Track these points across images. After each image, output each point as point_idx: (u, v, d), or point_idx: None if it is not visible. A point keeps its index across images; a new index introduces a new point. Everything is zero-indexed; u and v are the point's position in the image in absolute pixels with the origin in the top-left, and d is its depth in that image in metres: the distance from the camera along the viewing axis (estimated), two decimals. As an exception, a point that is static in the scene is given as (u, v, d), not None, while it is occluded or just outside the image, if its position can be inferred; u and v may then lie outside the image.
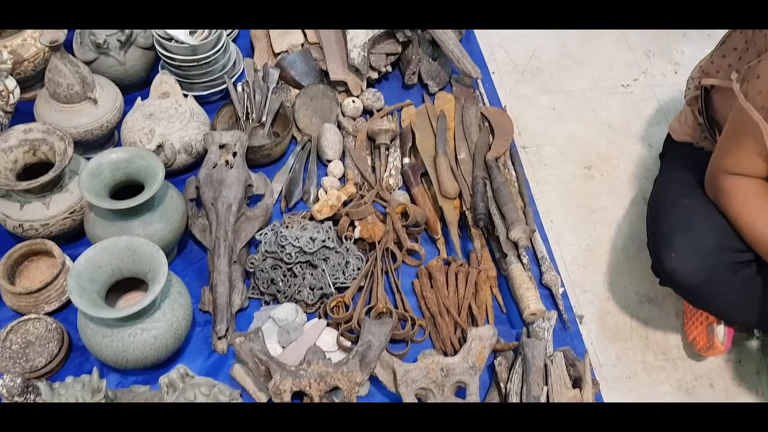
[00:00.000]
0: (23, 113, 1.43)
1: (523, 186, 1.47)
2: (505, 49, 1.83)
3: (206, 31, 1.55)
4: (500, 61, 1.81)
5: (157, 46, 1.54)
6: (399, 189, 1.48)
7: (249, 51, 1.76)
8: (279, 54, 1.69)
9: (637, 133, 1.67)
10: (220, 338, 1.20)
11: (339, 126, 1.58)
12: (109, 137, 1.51)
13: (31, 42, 1.49)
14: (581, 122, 1.68)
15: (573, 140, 1.65)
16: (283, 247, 1.29)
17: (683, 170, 1.37)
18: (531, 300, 1.23)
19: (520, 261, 1.32)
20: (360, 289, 1.30)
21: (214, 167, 1.35)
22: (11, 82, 1.35)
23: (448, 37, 1.62)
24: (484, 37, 1.84)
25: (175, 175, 1.47)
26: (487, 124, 1.58)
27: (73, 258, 1.27)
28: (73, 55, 1.46)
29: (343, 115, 1.60)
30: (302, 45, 1.71)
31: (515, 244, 1.32)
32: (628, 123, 1.69)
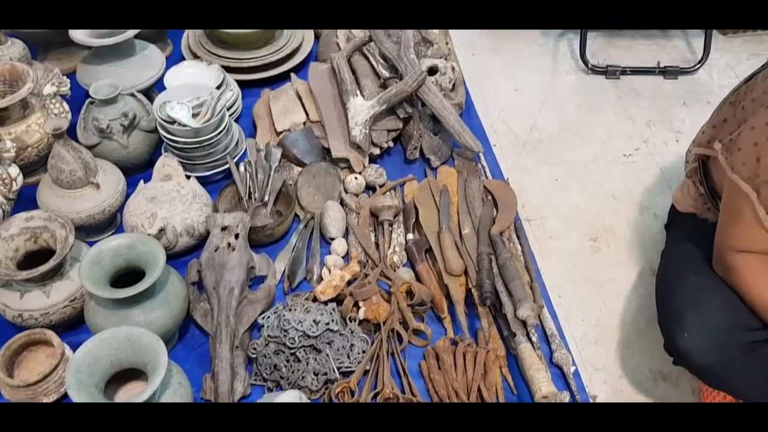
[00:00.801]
0: (26, 198, 1.43)
1: (529, 260, 1.45)
2: (505, 122, 1.85)
3: (209, 113, 1.57)
4: (501, 134, 1.82)
5: (160, 129, 1.55)
6: (403, 266, 1.46)
7: (251, 130, 1.77)
8: (281, 133, 1.70)
9: (641, 202, 1.67)
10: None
11: (342, 203, 1.58)
12: (111, 221, 1.51)
13: (35, 128, 1.51)
14: (585, 193, 1.68)
15: (577, 211, 1.64)
16: (286, 331, 1.26)
17: (689, 243, 1.35)
18: (542, 382, 1.20)
19: (530, 340, 1.29)
20: (365, 372, 1.27)
21: (216, 250, 1.34)
22: (14, 170, 1.36)
23: (448, 113, 1.63)
24: (485, 110, 1.86)
25: (177, 257, 1.45)
26: (490, 197, 1.57)
27: (73, 346, 1.25)
28: (77, 140, 1.47)
29: (346, 191, 1.60)
30: (304, 123, 1.72)
31: (524, 323, 1.29)
32: (632, 193, 1.69)
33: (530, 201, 1.65)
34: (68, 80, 1.53)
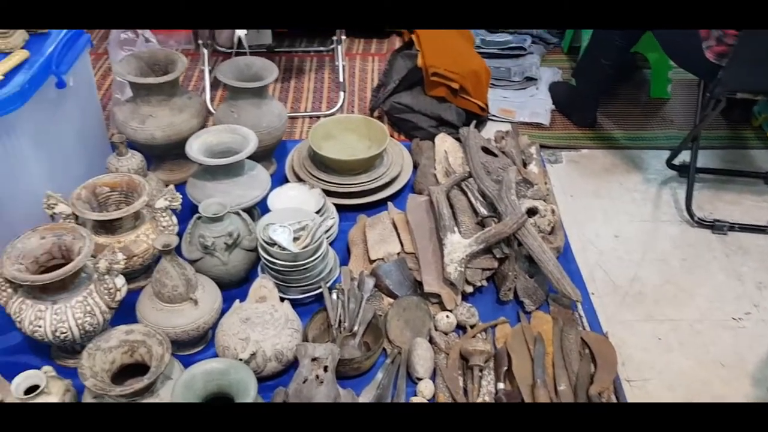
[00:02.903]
0: (124, 305, 1.46)
1: (627, 425, 1.36)
2: (604, 270, 1.79)
3: (309, 238, 1.59)
4: (600, 282, 1.76)
5: (261, 250, 1.58)
6: (492, 416, 1.39)
7: (344, 253, 1.79)
8: (374, 261, 1.70)
9: (753, 374, 1.55)
10: None
11: (431, 340, 1.54)
12: (203, 337, 1.52)
13: (143, 239, 1.56)
14: (690, 357, 1.58)
15: (682, 377, 1.54)
16: (368, 477, 1.20)
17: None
18: None
19: None
20: None
21: (304, 382, 1.32)
22: (120, 281, 1.40)
23: (547, 258, 1.60)
24: (583, 255, 1.82)
25: (262, 381, 1.43)
26: (588, 351, 1.50)
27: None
28: (180, 251, 1.51)
29: (436, 329, 1.57)
30: (398, 254, 1.72)
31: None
32: (743, 362, 1.58)
33: (631, 359, 1.56)
34: (180, 196, 1.60)
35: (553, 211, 1.76)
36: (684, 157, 2.14)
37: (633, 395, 1.52)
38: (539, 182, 1.88)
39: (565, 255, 1.77)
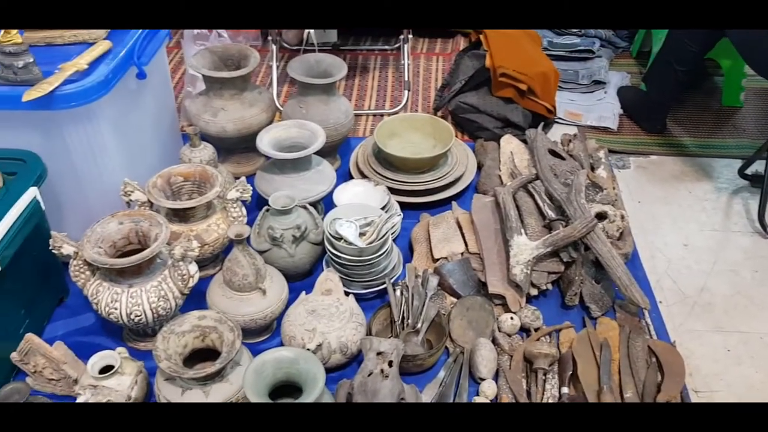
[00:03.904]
0: (193, 292, 1.49)
1: (695, 437, 1.33)
2: (673, 278, 1.76)
3: (375, 234, 1.60)
4: (668, 290, 1.72)
5: (327, 244, 1.60)
6: (555, 420, 1.38)
7: (406, 251, 1.79)
8: (438, 260, 1.71)
9: (826, 390, 1.50)
10: None
11: (494, 341, 1.54)
12: (269, 326, 1.54)
13: (214, 228, 1.60)
14: (761, 371, 1.53)
15: (752, 391, 1.49)
16: (431, 473, 1.20)
17: None
18: None
19: None
20: None
21: (369, 375, 1.33)
22: (193, 268, 1.43)
23: (616, 263, 1.58)
24: (651, 263, 1.79)
25: (326, 372, 1.44)
26: (655, 359, 1.47)
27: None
28: (249, 245, 1.54)
29: (500, 330, 1.56)
30: (462, 253, 1.72)
31: None
32: (816, 377, 1.53)
33: (699, 370, 1.53)
34: (251, 188, 1.63)
35: (622, 217, 1.73)
36: (757, 166, 2.07)
37: (702, 407, 1.48)
38: (608, 187, 1.85)
39: (632, 262, 1.74)
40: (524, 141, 2.07)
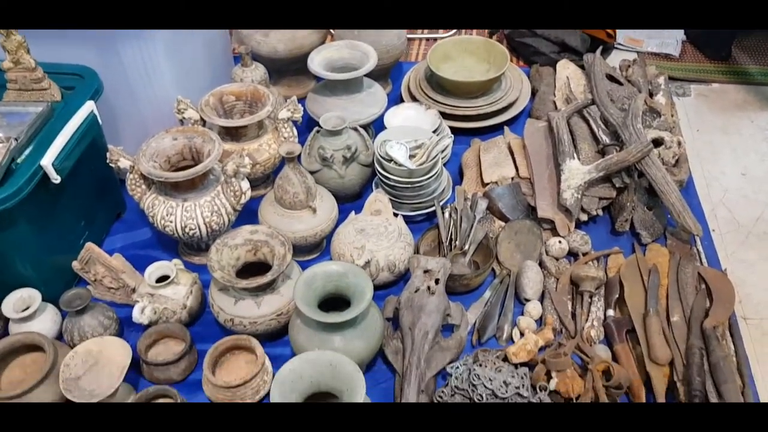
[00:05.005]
0: (244, 210, 1.53)
1: (742, 363, 1.32)
2: (728, 207, 1.71)
3: (425, 156, 1.60)
4: (722, 219, 1.69)
5: (377, 165, 1.61)
6: (599, 343, 1.39)
7: (456, 176, 1.79)
8: (487, 184, 1.70)
9: None
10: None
11: (541, 264, 1.54)
12: (319, 244, 1.58)
13: (266, 148, 1.62)
14: (814, 300, 1.51)
15: (803, 319, 1.47)
16: (474, 386, 1.24)
17: None
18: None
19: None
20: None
21: (416, 291, 1.35)
22: (246, 184, 1.46)
23: (670, 189, 1.54)
24: (706, 191, 1.75)
25: (374, 290, 1.48)
26: (704, 286, 1.46)
27: (271, 356, 1.31)
28: (301, 164, 1.56)
29: (547, 254, 1.56)
30: (512, 178, 1.70)
31: None
32: None
33: (750, 298, 1.51)
34: (301, 108, 1.64)
35: (679, 143, 1.68)
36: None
37: (748, 333, 1.47)
38: (666, 113, 1.80)
39: (687, 189, 1.70)
40: (581, 66, 2.01)
